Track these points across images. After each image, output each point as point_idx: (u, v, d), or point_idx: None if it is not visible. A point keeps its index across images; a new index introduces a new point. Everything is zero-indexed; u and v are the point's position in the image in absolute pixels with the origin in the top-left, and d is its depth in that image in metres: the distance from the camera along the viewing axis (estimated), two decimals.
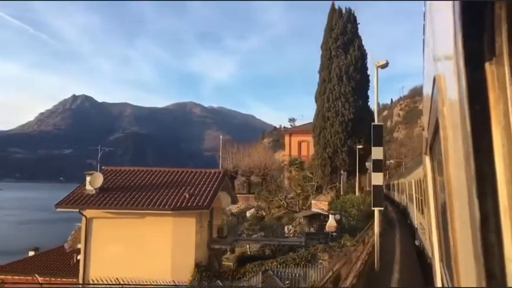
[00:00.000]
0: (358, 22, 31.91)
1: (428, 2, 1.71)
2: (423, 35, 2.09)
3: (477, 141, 0.76)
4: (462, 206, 0.90)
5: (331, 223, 25.46)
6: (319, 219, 27.50)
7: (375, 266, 10.99)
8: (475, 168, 0.76)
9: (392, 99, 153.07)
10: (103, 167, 18.10)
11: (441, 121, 1.29)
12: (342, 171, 29.89)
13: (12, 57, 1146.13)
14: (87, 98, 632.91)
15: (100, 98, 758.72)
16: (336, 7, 32.05)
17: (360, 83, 30.40)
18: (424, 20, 1.93)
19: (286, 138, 51.58)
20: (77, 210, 16.17)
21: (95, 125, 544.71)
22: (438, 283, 2.22)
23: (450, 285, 1.57)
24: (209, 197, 16.92)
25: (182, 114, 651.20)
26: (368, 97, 31.28)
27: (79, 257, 17.67)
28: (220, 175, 18.76)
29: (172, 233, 16.47)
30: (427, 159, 2.71)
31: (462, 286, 1.07)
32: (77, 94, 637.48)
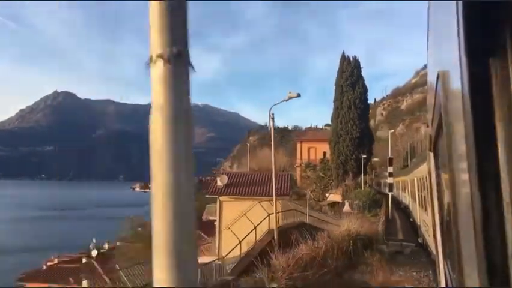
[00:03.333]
0: (362, 67, 44.96)
1: (431, 0, 1.76)
2: (427, 31, 2.14)
3: (480, 137, 0.77)
4: (465, 203, 0.92)
5: (346, 208, 38.37)
6: (337, 205, 40.11)
7: (389, 217, 23.90)
8: (478, 165, 0.76)
9: (375, 99, 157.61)
10: (224, 170, 30.16)
11: (444, 117, 1.29)
12: (350, 173, 42.89)
13: None
14: (69, 95, 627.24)
15: (82, 95, 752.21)
16: (346, 56, 45.06)
17: (364, 111, 43.51)
18: (428, 16, 1.97)
19: (298, 145, 64.41)
20: (216, 196, 28.37)
21: (78, 122, 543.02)
22: (442, 280, 2.27)
23: (453, 282, 1.59)
24: (288, 189, 29.40)
25: None
26: (368, 120, 44.38)
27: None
28: (289, 176, 31.30)
29: (268, 211, 28.73)
30: (431, 156, 2.67)
31: (465, 282, 1.09)
32: (59, 90, 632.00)
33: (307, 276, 9.07)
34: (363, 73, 44.62)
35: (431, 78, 1.87)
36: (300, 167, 59.40)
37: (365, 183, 60.59)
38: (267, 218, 20.18)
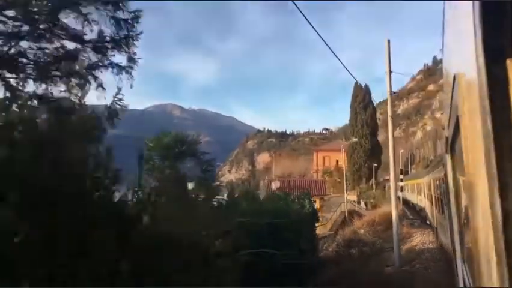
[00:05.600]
0: (372, 93, 56.24)
1: (447, 1, 1.73)
2: (442, 32, 2.10)
3: (498, 139, 0.75)
4: (483, 205, 0.91)
5: (362, 205, 49.30)
6: (354, 203, 51.14)
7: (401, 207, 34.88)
8: (497, 167, 0.75)
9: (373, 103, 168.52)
10: (275, 177, 40.95)
11: (461, 120, 1.27)
12: (363, 178, 54.00)
13: None
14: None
15: None
16: (359, 84, 56.28)
17: (374, 128, 54.67)
18: (443, 18, 1.94)
19: (315, 154, 75.65)
20: None
21: None
22: (460, 281, 2.25)
23: (472, 284, 1.56)
24: (324, 190, 40.30)
25: (163, 116, 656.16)
26: (377, 135, 55.58)
27: None
28: (323, 182, 42.23)
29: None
30: (448, 158, 2.59)
31: (483, 283, 1.07)
32: None
33: (374, 228, 19.84)
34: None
35: (447, 79, 1.81)
36: (316, 173, 70.49)
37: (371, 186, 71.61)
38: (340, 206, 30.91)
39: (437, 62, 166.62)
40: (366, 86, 56.63)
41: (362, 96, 55.36)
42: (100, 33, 8.21)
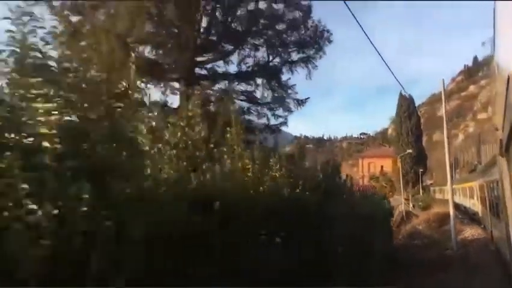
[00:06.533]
0: (415, 104, 59.56)
1: (498, 1, 1.54)
2: (494, 32, 1.96)
3: None
4: None
5: (411, 207, 52.74)
6: (408, 205, 54.68)
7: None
8: None
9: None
10: None
11: None
12: (410, 183, 57.34)
13: None
14: None
15: None
16: (403, 94, 59.94)
17: (419, 136, 58.05)
18: (494, 16, 1.80)
19: (360, 160, 79.27)
20: None
21: None
22: None
23: None
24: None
25: None
26: (421, 142, 58.87)
27: None
28: (374, 187, 46.26)
29: None
30: (503, 161, 2.40)
31: None
32: None
33: (429, 225, 24.14)
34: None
35: (500, 79, 1.60)
36: (362, 179, 74.08)
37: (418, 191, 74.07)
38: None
39: (477, 63, 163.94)
40: (410, 95, 60.22)
41: (406, 106, 58.94)
42: (263, 97, 13.57)
